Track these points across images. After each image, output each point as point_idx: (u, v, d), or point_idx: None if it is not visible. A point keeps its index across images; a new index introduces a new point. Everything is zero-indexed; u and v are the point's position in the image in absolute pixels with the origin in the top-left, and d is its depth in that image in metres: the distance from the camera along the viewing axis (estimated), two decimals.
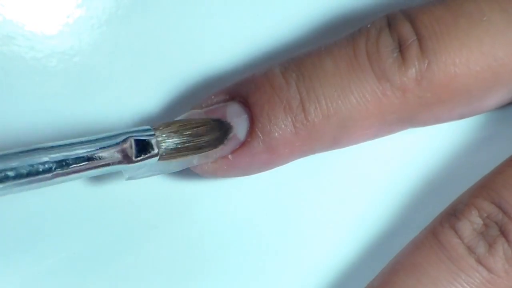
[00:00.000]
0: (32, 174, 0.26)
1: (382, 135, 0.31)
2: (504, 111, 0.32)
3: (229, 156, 0.30)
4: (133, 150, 0.28)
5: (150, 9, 0.32)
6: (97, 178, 0.31)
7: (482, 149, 0.32)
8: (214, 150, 0.30)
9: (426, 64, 0.29)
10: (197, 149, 0.29)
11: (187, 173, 0.31)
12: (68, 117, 0.31)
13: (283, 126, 0.29)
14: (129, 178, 0.29)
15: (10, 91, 0.31)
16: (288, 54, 0.32)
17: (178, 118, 0.30)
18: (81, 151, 0.27)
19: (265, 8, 0.33)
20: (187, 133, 0.29)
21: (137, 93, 0.32)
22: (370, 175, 0.32)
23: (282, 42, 0.33)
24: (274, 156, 0.30)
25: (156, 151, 0.28)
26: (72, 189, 0.31)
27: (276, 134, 0.29)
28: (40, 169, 0.26)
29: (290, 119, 0.29)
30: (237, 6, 0.33)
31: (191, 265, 0.31)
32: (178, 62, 0.32)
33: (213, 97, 0.30)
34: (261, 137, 0.29)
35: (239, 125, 0.29)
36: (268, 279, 0.32)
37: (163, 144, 0.29)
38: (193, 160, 0.30)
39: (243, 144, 0.29)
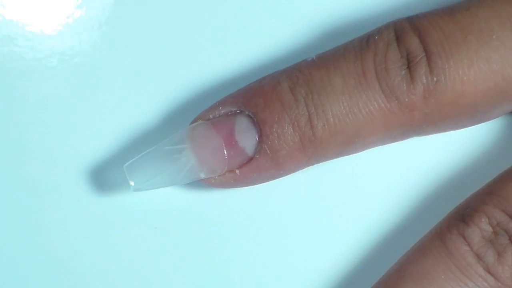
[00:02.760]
0: None
1: (386, 144, 0.31)
2: (508, 114, 0.32)
3: (237, 171, 0.30)
4: None
5: (150, 10, 0.32)
6: (104, 187, 0.32)
7: (486, 151, 0.32)
8: (223, 163, 0.30)
9: (434, 82, 0.28)
10: None
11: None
12: (68, 117, 0.32)
13: (291, 143, 0.29)
14: (136, 190, 0.30)
15: (10, 91, 0.31)
16: (293, 58, 0.32)
17: (190, 126, 0.30)
18: None
19: (269, 11, 0.33)
20: None
21: (138, 93, 0.32)
22: (374, 177, 0.32)
23: (287, 45, 0.33)
24: (281, 171, 0.30)
25: None
26: (74, 192, 0.31)
27: (284, 152, 0.29)
28: None
29: (298, 136, 0.29)
30: (241, 7, 0.32)
31: (192, 267, 0.32)
32: (179, 63, 0.32)
33: (220, 107, 0.30)
34: (270, 154, 0.29)
35: (248, 140, 0.29)
36: (271, 281, 0.32)
37: None
38: (201, 173, 0.30)
39: (251, 160, 0.29)
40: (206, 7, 0.32)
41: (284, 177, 0.31)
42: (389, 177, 0.32)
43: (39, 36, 0.31)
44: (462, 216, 0.29)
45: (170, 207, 0.32)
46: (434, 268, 0.28)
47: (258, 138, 0.29)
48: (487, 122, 0.31)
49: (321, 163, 0.31)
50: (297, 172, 0.31)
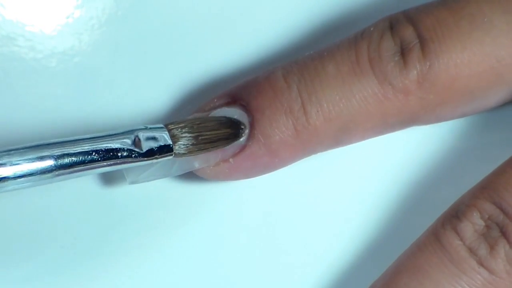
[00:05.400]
0: (32, 172, 0.26)
1: (384, 134, 0.31)
2: (505, 111, 0.32)
3: (231, 160, 0.30)
4: (147, 146, 0.28)
5: (150, 10, 0.32)
6: (100, 180, 0.31)
7: (483, 149, 0.32)
8: (217, 152, 0.30)
9: (427, 66, 0.29)
10: (211, 142, 0.29)
11: (189, 174, 0.31)
12: (69, 118, 0.31)
13: (284, 129, 0.29)
14: (132, 182, 0.30)
15: (10, 91, 0.31)
16: (292, 57, 0.31)
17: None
18: (88, 147, 0.27)
19: (268, 10, 0.33)
20: (198, 128, 0.29)
21: (138, 94, 0.32)
22: (372, 176, 0.32)
23: (285, 44, 0.33)
24: (276, 159, 0.30)
25: (171, 146, 0.28)
26: (74, 191, 0.31)
27: (277, 138, 0.29)
28: (41, 167, 0.26)
29: (291, 122, 0.29)
30: (239, 6, 0.33)
31: (191, 265, 0.31)
32: (179, 63, 0.32)
33: (215, 100, 0.30)
34: (262, 141, 0.29)
35: None
36: (271, 279, 0.32)
37: (177, 139, 0.29)
38: (195, 163, 0.30)
39: (244, 148, 0.30)
40: (205, 8, 0.32)
41: (282, 176, 0.31)
42: (387, 177, 0.32)
43: (39, 36, 0.31)
44: (456, 212, 0.29)
45: (171, 207, 0.32)
46: (428, 263, 0.28)
47: (250, 125, 0.29)
48: (487, 121, 0.32)
49: (319, 160, 0.31)
50: (294, 169, 0.31)
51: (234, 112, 0.30)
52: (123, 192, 0.31)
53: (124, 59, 0.32)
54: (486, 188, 0.29)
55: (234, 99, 0.30)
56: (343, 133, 0.30)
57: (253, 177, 0.31)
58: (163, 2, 0.32)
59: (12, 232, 0.31)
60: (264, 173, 0.31)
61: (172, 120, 0.30)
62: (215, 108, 0.30)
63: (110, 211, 0.31)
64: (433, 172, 0.32)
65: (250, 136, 0.29)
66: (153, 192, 0.32)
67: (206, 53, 0.32)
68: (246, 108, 0.30)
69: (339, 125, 0.29)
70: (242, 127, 0.29)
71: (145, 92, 0.32)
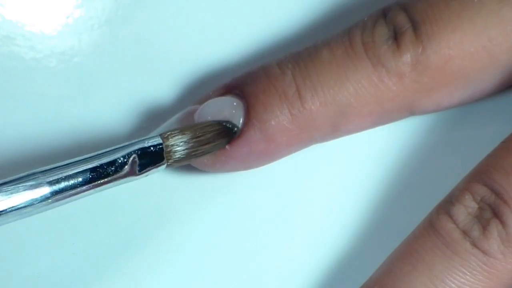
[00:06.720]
0: (29, 203, 0.26)
1: (383, 123, 0.31)
2: (502, 101, 0.32)
3: (227, 147, 0.30)
4: (142, 163, 0.28)
5: (150, 9, 0.32)
6: None
7: (483, 140, 0.32)
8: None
9: (420, 49, 0.29)
10: (204, 154, 0.30)
11: (187, 170, 0.31)
12: (68, 117, 0.32)
13: (278, 113, 0.29)
14: None
15: (10, 91, 0.31)
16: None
17: (178, 115, 0.31)
18: (83, 168, 0.28)
19: (265, 6, 0.33)
20: (194, 140, 0.29)
21: (137, 93, 0.32)
22: (368, 171, 0.32)
23: (282, 40, 0.33)
24: (272, 146, 0.30)
25: (164, 161, 0.29)
26: None
27: (272, 122, 0.29)
28: (38, 196, 0.27)
29: (286, 107, 0.29)
30: (238, 5, 0.33)
31: (189, 262, 0.31)
32: (178, 62, 0.32)
33: (211, 93, 0.31)
34: (257, 126, 0.29)
35: (235, 115, 0.30)
36: (271, 273, 0.31)
37: (172, 154, 0.29)
38: None
39: (240, 134, 0.30)
40: (205, 6, 0.32)
41: (279, 173, 0.31)
42: (384, 172, 0.32)
43: (38, 36, 0.31)
44: (450, 198, 0.29)
45: (170, 204, 0.32)
46: (422, 247, 0.28)
47: (245, 110, 0.30)
48: (485, 107, 0.32)
49: (315, 154, 0.31)
50: (291, 166, 0.31)
51: (229, 101, 0.30)
52: (123, 188, 0.31)
53: (124, 59, 0.32)
54: (478, 171, 0.29)
55: (229, 90, 0.30)
56: (339, 118, 0.30)
57: (252, 167, 0.31)
58: (162, 1, 0.32)
59: (12, 232, 0.31)
60: (262, 162, 0.31)
61: (170, 117, 0.31)
62: (210, 98, 0.30)
63: (110, 208, 0.31)
64: (431, 166, 0.32)
65: (246, 122, 0.29)
66: (153, 189, 0.32)
67: (206, 52, 0.32)
68: (240, 95, 0.30)
69: (335, 109, 0.29)
70: (235, 130, 0.29)
71: (145, 92, 0.32)
